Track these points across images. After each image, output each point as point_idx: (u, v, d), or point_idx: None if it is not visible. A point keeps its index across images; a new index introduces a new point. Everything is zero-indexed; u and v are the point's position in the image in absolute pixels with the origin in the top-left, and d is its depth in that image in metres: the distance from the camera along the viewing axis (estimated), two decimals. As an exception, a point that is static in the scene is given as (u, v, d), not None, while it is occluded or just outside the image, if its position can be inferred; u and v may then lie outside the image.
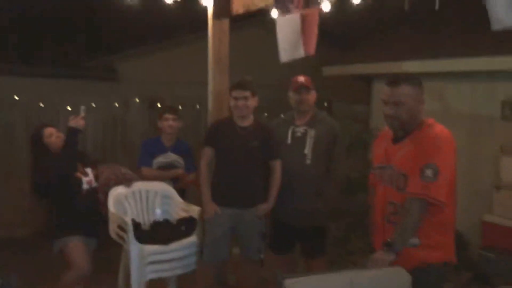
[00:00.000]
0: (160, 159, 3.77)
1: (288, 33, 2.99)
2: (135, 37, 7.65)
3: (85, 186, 3.17)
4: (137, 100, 6.14)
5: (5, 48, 6.82)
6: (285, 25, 2.99)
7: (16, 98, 5.42)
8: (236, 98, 3.09)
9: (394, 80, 2.19)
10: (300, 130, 3.22)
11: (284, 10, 2.97)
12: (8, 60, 6.41)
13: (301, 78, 3.24)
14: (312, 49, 2.96)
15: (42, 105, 5.55)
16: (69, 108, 5.43)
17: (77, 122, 3.09)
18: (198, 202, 3.38)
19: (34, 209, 5.26)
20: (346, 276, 1.95)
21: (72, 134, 3.07)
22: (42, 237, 5.04)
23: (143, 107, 6.16)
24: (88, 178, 3.20)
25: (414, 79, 2.22)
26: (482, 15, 2.30)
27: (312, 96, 3.25)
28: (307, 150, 3.15)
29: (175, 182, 3.68)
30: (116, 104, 6.01)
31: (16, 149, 5.35)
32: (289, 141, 3.22)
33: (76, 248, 3.09)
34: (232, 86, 3.14)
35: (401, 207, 2.14)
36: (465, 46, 5.02)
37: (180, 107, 5.49)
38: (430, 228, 2.12)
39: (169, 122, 3.75)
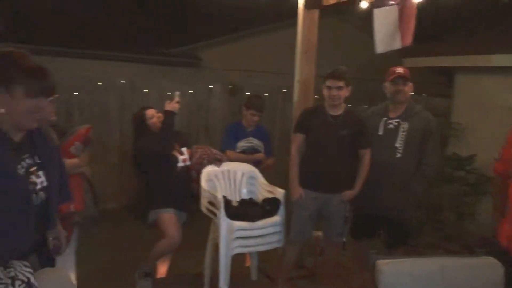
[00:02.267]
0: (243, 143, 3.97)
1: (386, 24, 3.00)
2: (219, 25, 7.94)
3: (180, 164, 3.43)
4: (219, 87, 6.41)
5: (102, 36, 7.38)
6: (383, 16, 3.01)
7: (113, 81, 5.86)
8: (329, 88, 3.15)
9: None
10: (393, 122, 3.20)
11: (382, 1, 3.00)
12: (103, 47, 6.94)
13: (399, 69, 3.21)
14: (408, 40, 2.97)
15: (134, 88, 5.97)
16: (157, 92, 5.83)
17: (172, 106, 3.34)
18: (274, 185, 3.55)
19: (125, 184, 5.74)
20: (438, 262, 2.01)
21: (168, 116, 3.33)
22: (131, 211, 5.49)
23: (224, 93, 6.43)
24: (183, 157, 3.46)
25: None
26: None
27: (409, 87, 3.20)
28: (398, 143, 3.13)
29: (255, 165, 3.85)
30: (200, 90, 6.32)
31: (111, 128, 5.82)
32: (380, 132, 3.21)
33: (169, 219, 3.34)
34: (326, 75, 3.17)
35: None
36: None
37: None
38: None
39: (254, 118, 3.96)
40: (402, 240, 3.32)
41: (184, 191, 3.47)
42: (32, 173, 1.74)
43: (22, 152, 1.73)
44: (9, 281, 1.52)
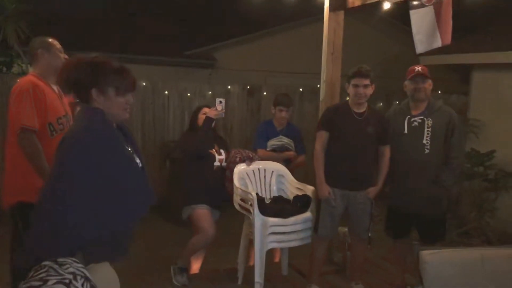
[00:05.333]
0: (274, 142, 4.06)
1: (424, 24, 3.07)
2: (234, 26, 8.05)
3: (216, 163, 3.58)
4: (237, 87, 6.51)
5: (122, 39, 7.51)
6: (420, 17, 3.07)
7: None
8: (356, 86, 3.22)
9: None
10: (417, 119, 3.27)
11: (417, 3, 3.07)
12: (124, 50, 7.07)
13: (418, 67, 3.28)
14: (448, 39, 3.03)
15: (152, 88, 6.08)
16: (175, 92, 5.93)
17: (211, 112, 3.55)
18: (304, 182, 3.64)
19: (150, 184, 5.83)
20: (478, 252, 2.10)
21: (206, 120, 3.53)
22: (160, 209, 5.58)
23: (243, 94, 6.53)
24: (220, 157, 3.61)
25: None
26: None
27: (428, 84, 3.27)
28: (425, 140, 3.21)
29: (286, 163, 3.95)
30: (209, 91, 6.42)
31: (133, 129, 5.92)
32: (405, 131, 3.28)
33: (204, 215, 3.46)
34: (352, 74, 3.25)
35: None
36: None
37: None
38: None
39: (282, 114, 4.05)
40: (439, 236, 3.31)
41: (219, 189, 3.59)
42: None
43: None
44: (71, 276, 1.57)
